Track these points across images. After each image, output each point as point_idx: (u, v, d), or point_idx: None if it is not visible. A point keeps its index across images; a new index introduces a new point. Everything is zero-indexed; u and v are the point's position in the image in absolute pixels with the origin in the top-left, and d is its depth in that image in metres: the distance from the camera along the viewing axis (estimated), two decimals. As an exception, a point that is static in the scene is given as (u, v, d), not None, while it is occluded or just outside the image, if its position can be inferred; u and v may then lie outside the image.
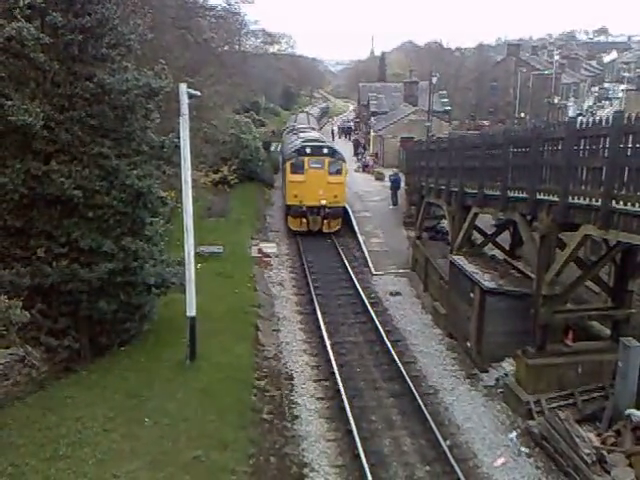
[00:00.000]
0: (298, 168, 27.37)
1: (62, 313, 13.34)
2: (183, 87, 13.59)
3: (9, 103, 11.76)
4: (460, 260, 16.69)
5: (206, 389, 13.15)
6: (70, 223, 12.99)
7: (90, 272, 12.89)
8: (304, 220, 27.40)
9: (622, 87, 72.91)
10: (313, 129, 40.19)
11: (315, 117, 58.57)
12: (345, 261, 23.89)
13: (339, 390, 13.91)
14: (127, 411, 12.01)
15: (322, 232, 27.47)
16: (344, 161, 28.50)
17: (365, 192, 33.44)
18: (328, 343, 16.49)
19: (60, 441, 10.75)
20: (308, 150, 27.58)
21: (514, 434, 12.39)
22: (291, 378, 14.86)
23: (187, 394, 12.86)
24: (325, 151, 27.84)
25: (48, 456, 10.32)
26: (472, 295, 15.33)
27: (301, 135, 32.40)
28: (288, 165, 27.86)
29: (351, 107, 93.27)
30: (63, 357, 13.25)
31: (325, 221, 27.50)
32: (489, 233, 19.24)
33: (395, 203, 30.94)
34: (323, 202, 27.08)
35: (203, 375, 13.76)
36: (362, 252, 25.08)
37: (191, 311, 14.29)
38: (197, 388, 13.16)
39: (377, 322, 17.93)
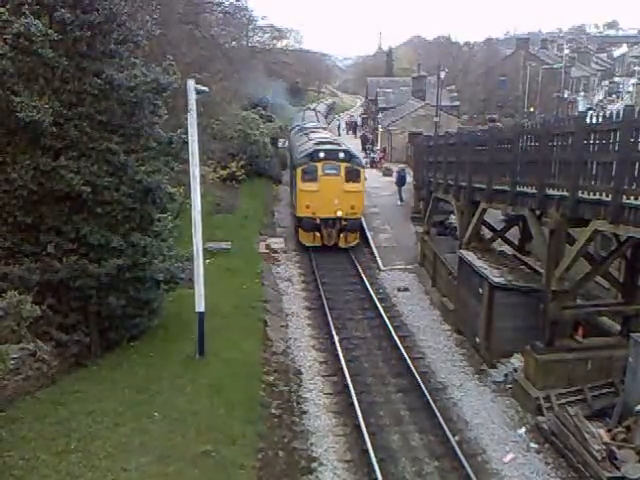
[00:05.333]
0: (310, 175, 24.29)
1: (72, 308, 13.42)
2: (191, 83, 13.60)
3: (18, 99, 11.81)
4: (469, 255, 16.63)
5: (215, 384, 13.20)
6: (79, 219, 13.05)
7: (99, 268, 12.95)
8: (317, 234, 24.41)
9: (632, 81, 72.32)
10: (324, 129, 36.90)
11: (323, 114, 57.22)
12: (353, 256, 23.87)
13: (347, 385, 13.92)
14: (137, 405, 12.08)
15: (338, 247, 24.54)
16: (363, 166, 25.76)
17: (373, 188, 33.30)
18: (336, 339, 16.51)
19: (71, 435, 10.83)
20: (322, 154, 24.37)
21: (523, 430, 12.37)
22: (299, 373, 14.90)
23: (196, 389, 12.92)
24: (341, 155, 24.54)
25: (59, 450, 10.39)
26: (481, 291, 15.28)
27: (312, 136, 29.37)
28: (299, 172, 24.58)
29: (359, 102, 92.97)
30: (73, 352, 13.32)
31: (341, 235, 24.50)
32: (498, 228, 19.16)
33: (401, 199, 30.87)
34: (339, 213, 24.10)
35: (212, 370, 13.82)
36: (370, 247, 25.06)
37: (200, 306, 14.34)
38: (206, 383, 13.22)
39: (385, 318, 17.91)
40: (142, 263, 13.84)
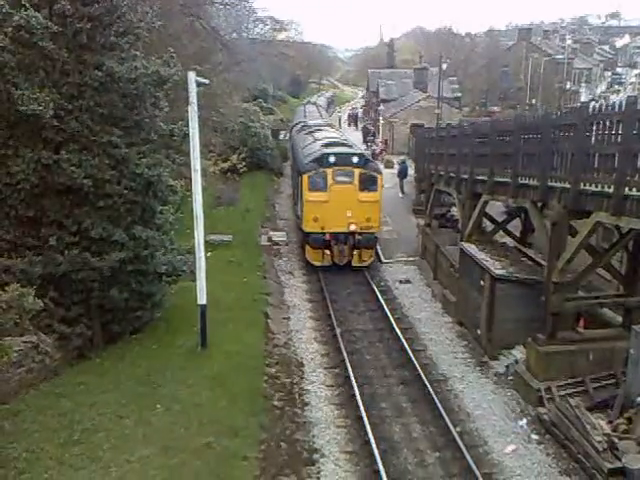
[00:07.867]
0: (319, 184, 20.93)
1: (74, 301, 13.46)
2: (192, 75, 13.55)
3: (18, 92, 11.79)
4: (470, 248, 16.62)
5: (217, 376, 13.25)
6: (81, 212, 13.07)
7: (101, 261, 12.97)
8: (327, 252, 21.13)
9: (635, 72, 72.01)
10: (331, 126, 32.98)
11: (324, 108, 54.96)
12: (354, 249, 23.72)
13: (349, 377, 13.96)
14: (139, 397, 12.14)
15: (351, 266, 21.33)
16: (380, 172, 21.96)
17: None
18: (338, 331, 16.54)
19: (74, 427, 10.91)
20: (332, 159, 20.87)
21: (524, 421, 12.41)
22: (301, 365, 14.94)
23: (198, 381, 12.97)
24: (355, 160, 21.04)
25: (62, 442, 10.47)
26: (482, 283, 15.28)
27: (318, 136, 25.75)
28: (305, 179, 21.06)
29: (360, 94, 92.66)
30: (76, 344, 13.38)
31: (355, 252, 21.22)
32: (500, 220, 19.14)
33: (402, 192, 30.83)
34: (352, 227, 20.83)
35: (214, 362, 13.86)
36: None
37: (202, 299, 14.36)
38: (208, 375, 13.27)
39: (387, 310, 17.93)
40: (144, 256, 13.87)
